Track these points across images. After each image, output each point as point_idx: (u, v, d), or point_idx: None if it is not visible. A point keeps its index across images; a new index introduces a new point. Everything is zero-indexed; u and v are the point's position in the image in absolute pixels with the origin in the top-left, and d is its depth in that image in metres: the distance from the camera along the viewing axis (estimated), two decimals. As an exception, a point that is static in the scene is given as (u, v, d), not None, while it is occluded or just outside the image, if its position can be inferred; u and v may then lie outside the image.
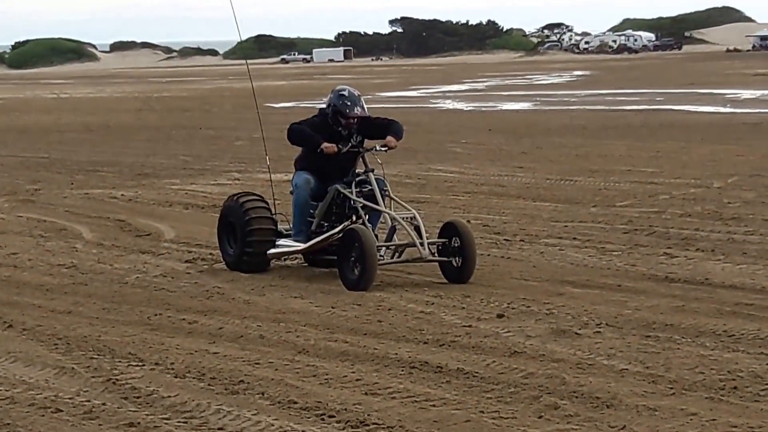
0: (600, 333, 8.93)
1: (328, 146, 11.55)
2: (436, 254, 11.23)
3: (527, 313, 9.69)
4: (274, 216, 12.09)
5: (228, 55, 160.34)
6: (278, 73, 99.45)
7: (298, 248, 11.76)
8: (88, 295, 10.96)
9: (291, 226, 12.04)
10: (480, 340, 8.79)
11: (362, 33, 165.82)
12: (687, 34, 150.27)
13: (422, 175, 20.84)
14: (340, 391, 7.52)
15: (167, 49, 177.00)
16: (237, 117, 40.17)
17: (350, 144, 11.67)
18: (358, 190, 11.56)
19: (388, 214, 11.42)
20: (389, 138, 11.71)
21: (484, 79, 74.41)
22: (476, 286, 10.88)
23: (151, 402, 7.40)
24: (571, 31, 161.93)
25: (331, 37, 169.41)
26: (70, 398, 7.52)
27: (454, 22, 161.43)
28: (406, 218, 11.32)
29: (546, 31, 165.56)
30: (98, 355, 8.62)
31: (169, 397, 7.47)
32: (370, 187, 11.51)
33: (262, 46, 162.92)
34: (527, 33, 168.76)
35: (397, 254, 11.37)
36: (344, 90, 11.82)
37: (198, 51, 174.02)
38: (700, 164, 21.41)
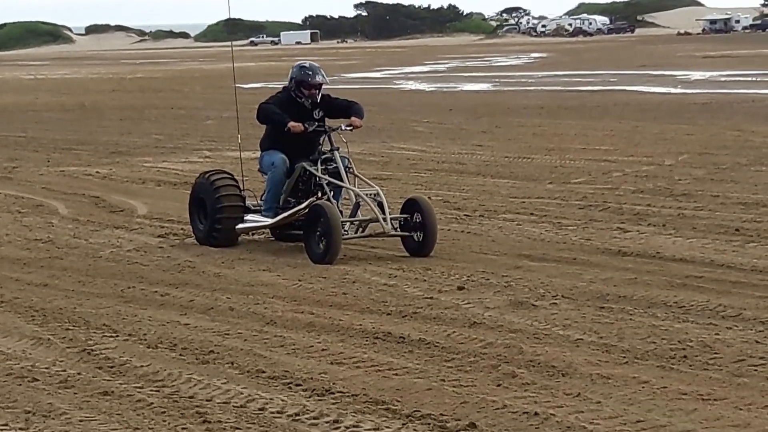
0: (556, 304, 9.09)
1: (294, 125, 11.73)
2: (398, 229, 11.42)
3: (486, 286, 9.84)
4: (242, 193, 12.29)
5: (199, 37, 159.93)
6: (247, 55, 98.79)
7: (266, 223, 11.95)
8: (64, 269, 11.10)
9: (260, 201, 12.20)
10: (441, 311, 8.95)
11: (328, 16, 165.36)
12: (640, 17, 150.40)
13: (385, 153, 21.02)
14: (306, 361, 7.66)
15: (140, 32, 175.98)
16: (207, 97, 40.11)
17: (316, 124, 11.87)
18: (323, 167, 11.77)
19: (353, 190, 11.61)
20: (354, 118, 11.94)
21: (445, 61, 74.26)
22: (437, 259, 11.03)
23: (125, 371, 7.52)
24: (528, 14, 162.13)
25: (299, 21, 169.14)
26: (46, 368, 7.63)
27: (417, 6, 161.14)
28: (370, 195, 11.52)
29: (504, 15, 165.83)
30: (73, 326, 8.75)
31: (142, 366, 7.60)
32: (335, 165, 11.71)
33: (231, 29, 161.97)
34: (486, 17, 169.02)
35: (360, 229, 11.56)
36: (305, 63, 12.15)
37: (170, 34, 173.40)
38: (652, 143, 21.61)
